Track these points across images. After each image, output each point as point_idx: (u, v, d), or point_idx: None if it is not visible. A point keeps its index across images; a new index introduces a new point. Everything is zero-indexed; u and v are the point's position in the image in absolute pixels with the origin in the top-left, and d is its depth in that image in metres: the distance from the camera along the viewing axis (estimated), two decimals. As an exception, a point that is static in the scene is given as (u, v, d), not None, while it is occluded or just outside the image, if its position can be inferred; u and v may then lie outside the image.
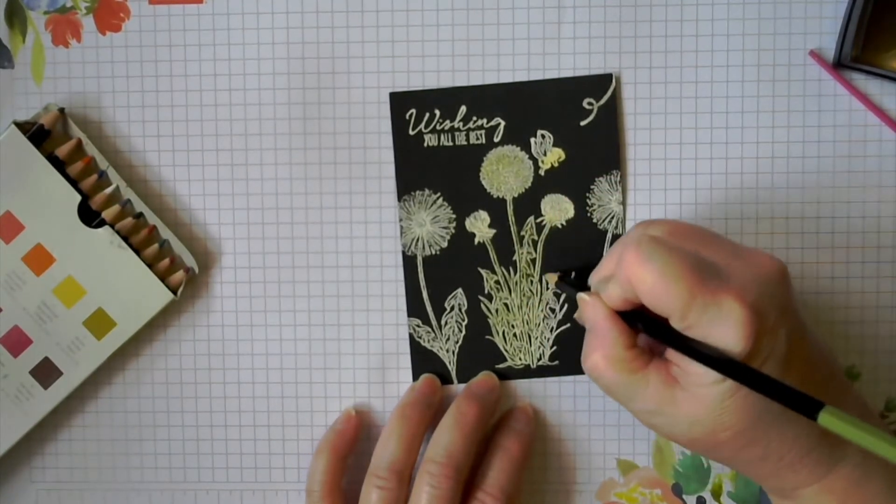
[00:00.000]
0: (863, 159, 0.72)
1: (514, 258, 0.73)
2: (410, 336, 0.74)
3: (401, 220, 0.73)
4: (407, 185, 0.73)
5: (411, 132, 0.73)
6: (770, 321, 0.57)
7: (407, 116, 0.73)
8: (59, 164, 0.71)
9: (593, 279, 0.65)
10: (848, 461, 0.61)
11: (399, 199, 0.73)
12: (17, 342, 0.72)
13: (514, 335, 0.73)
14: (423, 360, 0.74)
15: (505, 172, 0.73)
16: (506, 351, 0.74)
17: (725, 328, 0.56)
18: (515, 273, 0.73)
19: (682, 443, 0.62)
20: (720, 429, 0.59)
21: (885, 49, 0.69)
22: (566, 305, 0.73)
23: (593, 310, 0.63)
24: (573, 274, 0.72)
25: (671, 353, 0.61)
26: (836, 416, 0.50)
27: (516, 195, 0.73)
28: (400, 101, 0.73)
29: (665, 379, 0.60)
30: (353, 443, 0.73)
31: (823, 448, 0.60)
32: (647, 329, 0.61)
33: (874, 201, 0.72)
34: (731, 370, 0.56)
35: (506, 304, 0.73)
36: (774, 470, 0.61)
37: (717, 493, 0.74)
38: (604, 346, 0.62)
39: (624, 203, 0.73)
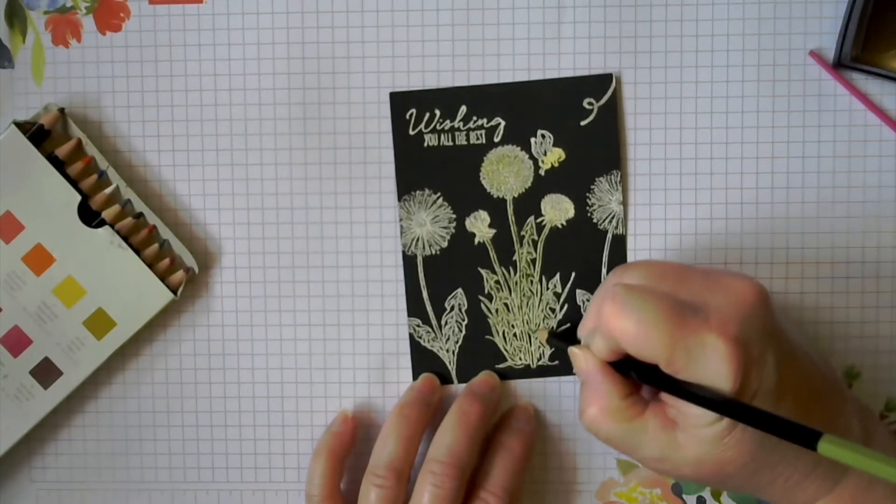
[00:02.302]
0: (863, 159, 0.72)
1: (514, 258, 0.73)
2: (410, 336, 0.74)
3: (401, 219, 0.73)
4: (407, 185, 0.73)
5: (411, 132, 0.73)
6: (756, 351, 0.57)
7: (407, 116, 0.73)
8: (59, 164, 0.71)
9: (581, 332, 0.65)
10: (851, 473, 0.61)
11: (399, 199, 0.73)
12: (17, 342, 0.71)
13: (514, 335, 0.73)
14: (423, 360, 0.74)
15: (505, 172, 0.73)
16: (506, 351, 0.74)
17: (712, 366, 0.56)
18: (515, 273, 0.73)
19: (693, 481, 0.62)
20: (726, 463, 0.59)
21: (885, 49, 0.69)
22: (566, 305, 0.73)
23: (585, 363, 0.63)
24: (562, 326, 0.73)
25: (667, 396, 0.61)
26: (835, 444, 0.50)
27: (516, 195, 0.73)
28: (400, 101, 0.73)
29: (663, 423, 0.60)
30: (350, 445, 0.73)
31: (827, 463, 0.60)
32: (639, 376, 0.61)
33: (874, 201, 0.72)
34: (724, 408, 0.56)
35: (506, 304, 0.73)
36: (784, 491, 0.61)
37: (716, 493, 0.74)
38: (599, 398, 0.62)
39: (624, 203, 0.73)
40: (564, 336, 0.71)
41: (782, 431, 0.53)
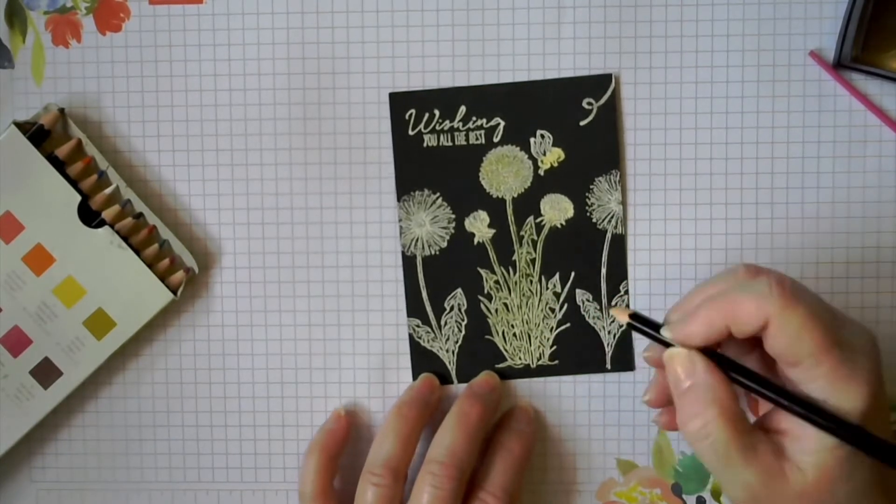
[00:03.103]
0: (863, 159, 0.72)
1: (513, 258, 0.73)
2: (410, 336, 0.74)
3: (400, 220, 0.73)
4: (406, 185, 0.73)
5: (411, 132, 0.73)
6: (880, 382, 0.56)
7: (406, 117, 0.73)
8: (59, 165, 0.71)
9: (672, 317, 0.60)
10: None
11: (398, 200, 0.73)
12: (17, 342, 0.72)
13: (514, 335, 0.73)
14: (423, 360, 0.74)
15: (504, 172, 0.73)
16: (505, 351, 0.74)
17: (852, 387, 0.54)
18: (515, 273, 0.73)
19: None
20: (828, 500, 0.56)
21: (885, 49, 0.69)
22: (565, 305, 0.73)
23: (692, 366, 0.58)
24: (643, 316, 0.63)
25: (778, 420, 0.58)
26: None
27: (516, 195, 0.73)
28: (399, 102, 0.73)
29: (773, 450, 0.56)
30: (344, 443, 0.73)
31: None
32: (757, 386, 0.57)
33: (874, 201, 0.72)
34: (850, 435, 0.54)
35: (505, 304, 0.73)
36: None
37: (716, 493, 0.74)
38: (714, 402, 0.56)
39: (624, 203, 0.73)
40: (648, 323, 0.61)
41: None
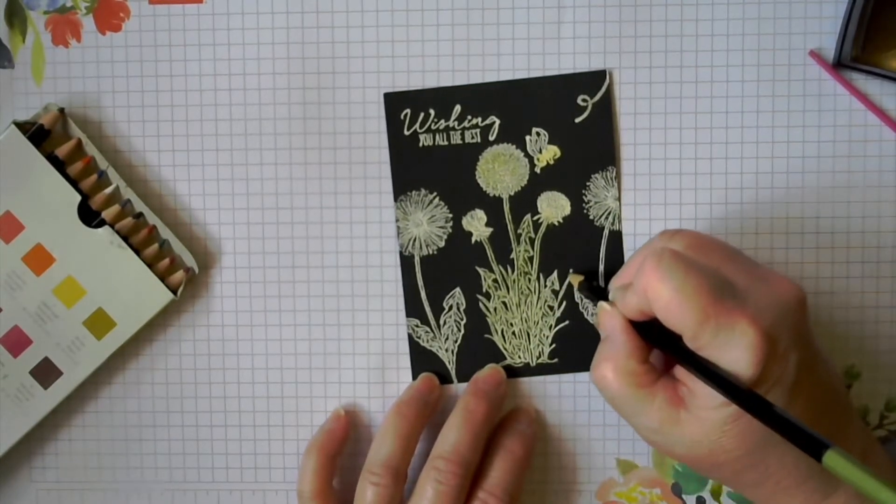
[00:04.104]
0: (863, 159, 0.72)
1: (511, 256, 0.73)
2: (409, 336, 0.74)
3: (397, 220, 0.73)
4: (403, 185, 0.73)
5: (406, 132, 0.73)
6: (781, 347, 0.57)
7: (402, 116, 0.73)
8: (59, 164, 0.71)
9: (613, 285, 0.65)
10: (842, 491, 0.61)
11: (395, 200, 0.73)
12: (17, 342, 0.72)
13: (513, 333, 0.73)
14: (422, 360, 0.74)
15: (501, 171, 0.73)
16: (505, 349, 0.74)
17: (737, 351, 0.56)
18: (513, 271, 0.73)
19: (681, 460, 0.62)
20: (720, 451, 0.59)
21: (885, 49, 0.69)
22: (564, 303, 0.73)
23: (610, 320, 0.63)
24: (597, 279, 0.73)
25: (680, 373, 0.61)
26: (842, 459, 0.49)
27: (512, 193, 0.73)
28: (394, 101, 0.73)
29: (671, 398, 0.60)
30: (343, 442, 0.73)
31: (821, 476, 0.60)
32: (660, 344, 0.61)
33: (874, 201, 0.72)
34: (738, 396, 0.55)
35: (504, 303, 0.73)
36: (771, 494, 0.61)
37: (716, 493, 0.74)
38: (616, 357, 0.62)
39: (620, 200, 0.73)
40: (596, 290, 0.70)
41: (791, 433, 0.52)
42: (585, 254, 0.73)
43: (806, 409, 0.59)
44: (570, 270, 0.73)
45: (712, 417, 0.58)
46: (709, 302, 0.56)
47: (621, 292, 0.63)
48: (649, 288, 0.58)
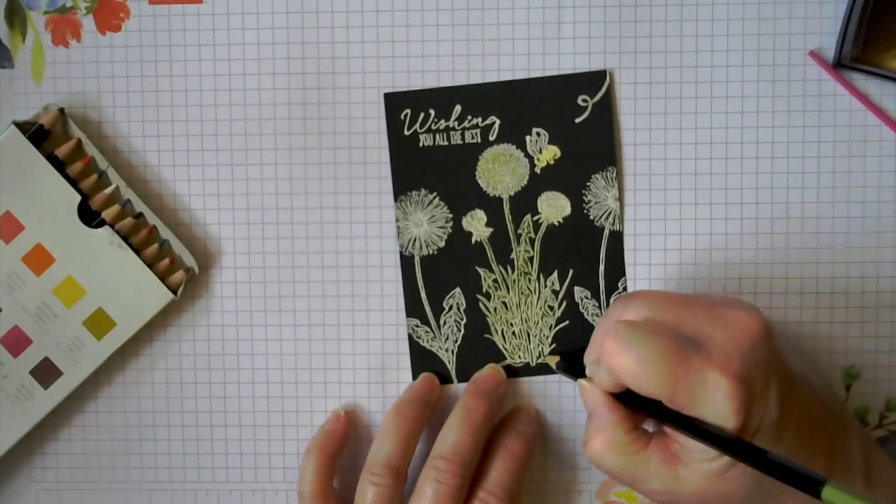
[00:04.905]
0: (863, 159, 0.72)
1: (511, 256, 0.73)
2: (409, 336, 0.74)
3: (397, 220, 0.73)
4: (403, 185, 0.73)
5: (406, 132, 0.73)
6: (758, 387, 0.57)
7: (402, 117, 0.73)
8: (59, 164, 0.71)
9: (586, 360, 0.66)
10: None
11: (395, 200, 0.73)
12: (17, 342, 0.72)
13: (513, 333, 0.73)
14: (422, 360, 0.74)
15: (501, 171, 0.73)
16: (505, 349, 0.74)
17: (714, 403, 0.56)
18: (513, 271, 0.73)
19: None
20: (727, 496, 0.59)
21: (885, 49, 0.69)
22: (564, 303, 0.73)
23: (591, 396, 0.63)
24: (573, 358, 0.72)
25: (670, 429, 0.61)
26: (839, 491, 0.49)
27: (512, 193, 0.73)
28: (394, 102, 0.73)
29: (666, 457, 0.61)
30: (343, 443, 0.74)
31: None
32: (643, 409, 0.62)
33: (874, 201, 0.72)
34: (726, 446, 0.56)
35: (504, 303, 0.73)
36: None
37: (716, 494, 0.74)
38: (603, 431, 0.62)
39: (621, 200, 0.73)
40: (573, 362, 0.71)
41: (785, 475, 0.52)
42: (585, 254, 0.73)
43: (798, 434, 0.59)
44: (547, 353, 0.74)
45: (709, 469, 0.58)
46: (676, 364, 0.57)
47: (595, 367, 0.63)
48: (614, 364, 0.59)
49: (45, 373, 0.72)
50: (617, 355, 0.58)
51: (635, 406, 0.62)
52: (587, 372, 0.65)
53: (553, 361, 0.73)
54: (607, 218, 0.73)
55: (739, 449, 0.55)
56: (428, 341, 0.74)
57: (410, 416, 0.71)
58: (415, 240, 0.73)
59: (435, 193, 0.73)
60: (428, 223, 0.73)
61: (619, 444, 0.62)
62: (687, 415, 0.58)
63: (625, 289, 0.73)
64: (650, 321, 0.60)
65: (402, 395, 0.73)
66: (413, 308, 0.74)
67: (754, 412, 0.57)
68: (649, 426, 0.65)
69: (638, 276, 0.73)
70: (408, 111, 0.73)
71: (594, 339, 0.65)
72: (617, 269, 0.73)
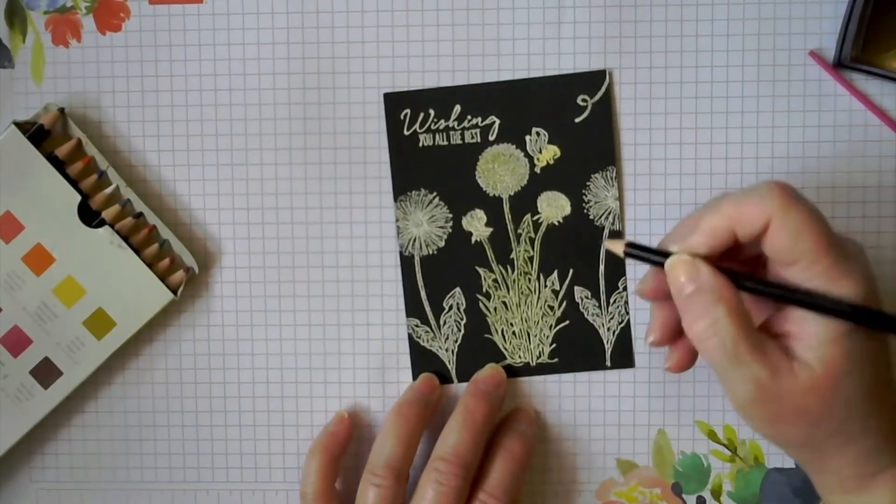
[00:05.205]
0: (863, 159, 0.72)
1: (511, 256, 0.73)
2: (409, 336, 0.74)
3: (397, 220, 0.73)
4: (403, 185, 0.73)
5: (406, 132, 0.73)
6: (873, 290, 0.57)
7: (401, 117, 0.73)
8: (59, 164, 0.71)
9: (666, 240, 0.60)
10: None
11: (395, 200, 0.73)
12: (17, 342, 0.72)
13: (513, 333, 0.73)
14: (422, 359, 0.74)
15: (501, 171, 0.73)
16: (505, 349, 0.74)
17: (851, 278, 0.56)
18: (513, 271, 0.73)
19: (782, 419, 0.58)
20: (834, 395, 0.56)
21: (885, 49, 0.69)
22: (564, 303, 0.73)
23: (696, 269, 0.58)
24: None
25: (779, 323, 0.59)
26: None
27: (512, 193, 0.73)
28: (394, 102, 0.73)
29: (779, 347, 0.57)
30: (346, 444, 0.74)
31: None
32: (759, 287, 0.58)
33: (874, 201, 0.72)
34: (857, 316, 0.55)
35: (504, 303, 0.73)
36: (864, 451, 0.59)
37: (716, 493, 0.74)
38: (725, 300, 0.57)
39: (621, 199, 0.73)
40: (647, 249, 0.61)
41: None
42: (585, 254, 0.73)
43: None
44: (605, 242, 0.73)
45: (827, 355, 0.56)
46: (830, 231, 0.56)
47: (684, 238, 0.59)
48: (780, 211, 0.56)
49: (45, 373, 0.72)
50: (787, 201, 0.56)
51: (747, 286, 0.58)
52: (674, 245, 0.59)
53: (618, 247, 0.61)
54: (607, 217, 0.73)
55: (870, 317, 0.55)
56: (428, 341, 0.74)
57: (411, 417, 0.71)
58: (415, 240, 0.73)
59: (435, 193, 0.73)
60: (428, 223, 0.73)
61: (738, 318, 0.56)
62: (809, 289, 0.56)
63: (625, 289, 0.73)
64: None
65: (403, 396, 0.73)
66: (413, 308, 0.74)
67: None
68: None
69: (638, 275, 0.73)
70: (407, 111, 0.73)
71: (684, 224, 0.60)
72: (617, 269, 0.73)
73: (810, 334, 0.56)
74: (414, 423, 0.71)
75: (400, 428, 0.70)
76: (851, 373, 0.56)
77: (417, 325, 0.74)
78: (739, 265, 0.61)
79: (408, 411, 0.71)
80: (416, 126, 0.73)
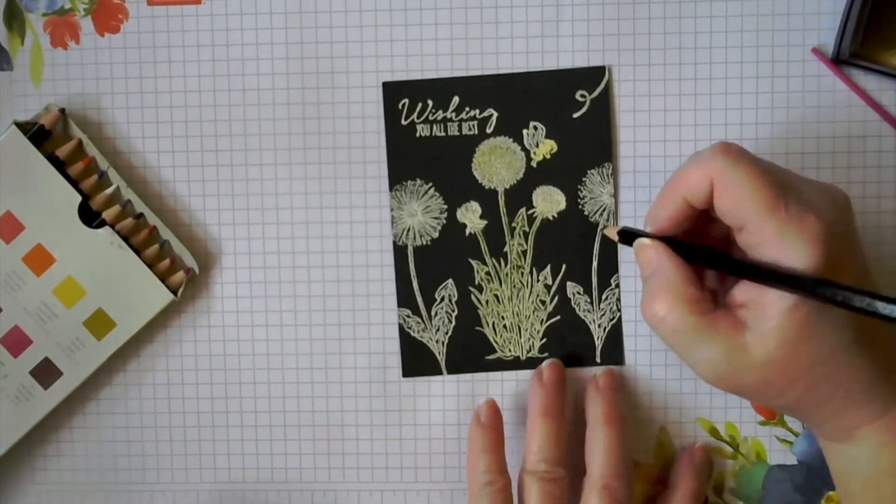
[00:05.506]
0: (862, 155, 0.72)
1: (504, 250, 0.73)
2: (400, 326, 0.74)
3: (392, 209, 0.73)
4: (398, 174, 0.73)
5: (404, 122, 0.73)
6: (843, 244, 0.57)
7: (399, 106, 0.73)
8: (60, 165, 0.71)
9: (649, 214, 0.63)
10: None
11: (390, 189, 0.73)
12: (17, 342, 0.72)
13: (505, 326, 0.73)
14: (412, 351, 0.74)
15: (497, 163, 0.73)
16: (496, 342, 0.73)
17: (801, 245, 0.55)
18: (506, 264, 0.73)
19: (747, 391, 0.60)
20: (793, 365, 0.57)
21: (884, 45, 0.69)
22: (556, 298, 0.73)
23: (656, 252, 0.61)
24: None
25: (735, 297, 0.59)
26: None
27: (508, 186, 0.73)
28: (392, 91, 0.73)
29: (732, 323, 0.58)
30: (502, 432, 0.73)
31: (887, 382, 0.59)
32: (712, 262, 0.60)
33: (874, 197, 0.72)
34: (809, 288, 0.54)
35: (496, 296, 0.73)
36: (840, 408, 0.59)
37: (719, 490, 0.74)
38: (670, 287, 0.59)
39: (616, 196, 0.73)
40: (631, 233, 0.65)
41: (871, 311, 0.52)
42: (579, 249, 0.73)
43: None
44: (602, 229, 0.73)
45: (783, 325, 0.56)
46: (779, 189, 0.55)
47: (650, 214, 0.62)
48: (720, 172, 0.57)
49: (45, 373, 0.72)
50: (728, 163, 0.57)
51: (701, 261, 0.60)
52: (646, 227, 0.63)
53: (613, 233, 0.66)
54: (602, 214, 0.73)
55: (822, 289, 0.54)
56: (419, 332, 0.74)
57: (553, 413, 0.71)
58: (409, 230, 0.73)
59: (430, 184, 0.73)
60: (422, 213, 0.73)
61: (689, 300, 0.58)
62: (759, 261, 0.57)
63: (617, 286, 0.73)
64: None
65: (540, 398, 0.72)
66: (404, 298, 0.74)
67: (834, 264, 0.55)
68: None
69: (631, 273, 0.73)
70: (406, 101, 0.73)
71: (662, 196, 0.62)
72: (610, 265, 0.73)
73: (769, 303, 0.57)
74: (556, 417, 0.71)
75: (546, 427, 0.70)
76: (812, 338, 0.56)
77: (408, 316, 0.74)
78: (714, 241, 0.63)
79: (552, 408, 0.71)
80: (414, 116, 0.73)
